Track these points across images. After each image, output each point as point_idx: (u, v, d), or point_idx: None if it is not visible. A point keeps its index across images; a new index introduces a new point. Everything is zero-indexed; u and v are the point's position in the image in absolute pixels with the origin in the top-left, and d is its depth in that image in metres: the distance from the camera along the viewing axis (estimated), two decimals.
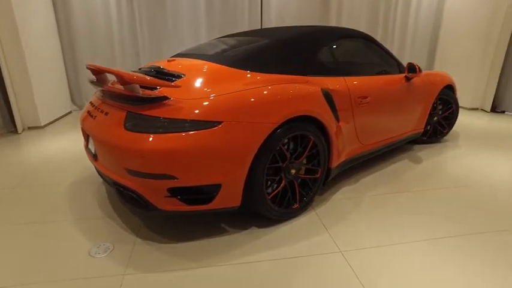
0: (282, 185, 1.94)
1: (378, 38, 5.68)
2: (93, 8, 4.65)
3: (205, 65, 1.97)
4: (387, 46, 5.77)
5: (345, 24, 5.45)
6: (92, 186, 2.50)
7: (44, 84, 4.17)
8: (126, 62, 5.00)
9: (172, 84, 1.72)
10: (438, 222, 2.02)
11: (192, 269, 1.61)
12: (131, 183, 1.67)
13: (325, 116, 2.02)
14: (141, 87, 1.70)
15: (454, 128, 4.17)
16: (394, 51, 5.79)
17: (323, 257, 1.69)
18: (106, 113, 1.83)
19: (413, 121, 3.05)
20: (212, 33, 5.08)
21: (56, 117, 4.47)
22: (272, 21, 5.22)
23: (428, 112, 3.19)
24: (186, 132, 1.58)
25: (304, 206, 2.10)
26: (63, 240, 1.84)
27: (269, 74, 1.95)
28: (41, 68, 4.11)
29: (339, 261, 1.66)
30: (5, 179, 2.65)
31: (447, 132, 3.56)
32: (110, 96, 1.89)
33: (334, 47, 2.42)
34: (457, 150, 3.34)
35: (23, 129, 4.02)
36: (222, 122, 1.63)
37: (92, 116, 1.95)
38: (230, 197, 1.73)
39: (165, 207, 1.68)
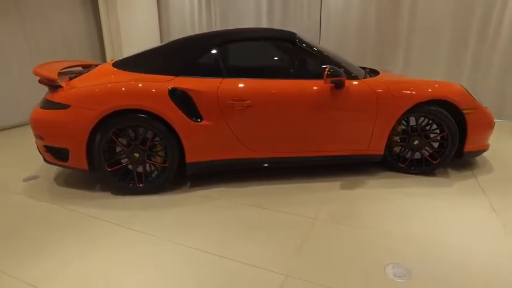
0: (123, 164, 2.39)
1: (469, 52, 4.34)
2: (183, 15, 6.04)
3: (106, 65, 2.63)
4: (478, 59, 4.32)
5: (420, 29, 4.52)
6: None
7: None
8: None
9: (63, 81, 2.49)
10: (225, 238, 1.91)
11: (56, 204, 2.36)
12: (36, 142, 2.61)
13: (166, 111, 2.27)
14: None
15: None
16: (495, 66, 4.24)
17: (93, 222, 2.12)
18: None
19: (356, 139, 2.57)
20: None
21: None
22: (331, 24, 5.01)
23: (388, 132, 2.54)
24: (50, 110, 2.34)
25: (154, 188, 2.44)
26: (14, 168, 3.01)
27: (135, 74, 2.40)
28: None
29: (96, 231, 2.01)
30: None
31: (439, 164, 2.64)
32: None
33: (225, 49, 2.50)
34: (432, 188, 2.48)
35: None
36: (70, 105, 2.28)
37: None
38: (78, 161, 2.37)
39: (49, 159, 2.51)
